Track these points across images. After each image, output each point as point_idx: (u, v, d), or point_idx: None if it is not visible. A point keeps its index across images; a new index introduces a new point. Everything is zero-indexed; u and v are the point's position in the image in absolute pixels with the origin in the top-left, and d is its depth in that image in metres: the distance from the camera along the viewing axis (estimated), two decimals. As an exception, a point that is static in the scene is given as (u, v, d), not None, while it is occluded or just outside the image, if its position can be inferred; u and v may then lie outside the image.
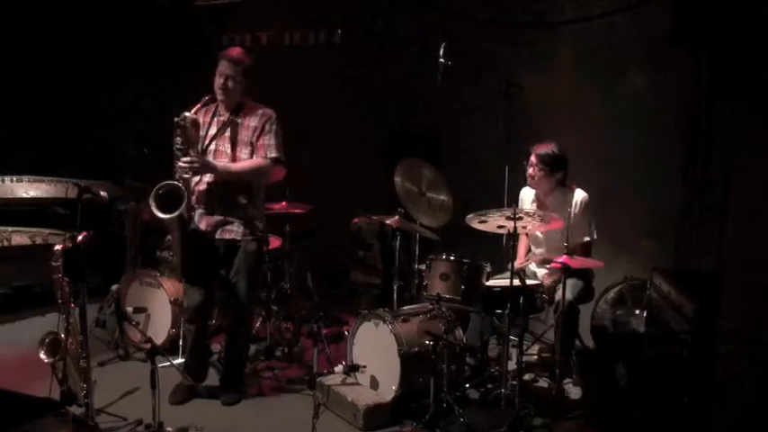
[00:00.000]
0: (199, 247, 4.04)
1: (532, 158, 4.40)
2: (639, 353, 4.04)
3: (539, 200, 4.53)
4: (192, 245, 4.05)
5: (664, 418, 3.62)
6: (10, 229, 5.64)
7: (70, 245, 3.66)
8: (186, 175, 3.82)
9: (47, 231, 5.72)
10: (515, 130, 4.77)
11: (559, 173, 4.38)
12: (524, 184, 4.70)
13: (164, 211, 3.73)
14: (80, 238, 3.62)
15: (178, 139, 3.81)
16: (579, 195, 4.36)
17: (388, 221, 4.61)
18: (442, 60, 4.43)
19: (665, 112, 4.82)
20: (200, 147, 3.96)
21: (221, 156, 4.00)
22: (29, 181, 5.73)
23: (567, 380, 4.39)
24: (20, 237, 5.64)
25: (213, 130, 4.03)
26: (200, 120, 4.04)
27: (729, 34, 3.89)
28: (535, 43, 5.51)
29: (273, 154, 4.02)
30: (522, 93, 4.59)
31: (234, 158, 4.00)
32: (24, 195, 5.71)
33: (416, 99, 6.04)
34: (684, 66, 4.59)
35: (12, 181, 5.68)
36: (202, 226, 4.01)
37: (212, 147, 4.01)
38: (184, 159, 3.79)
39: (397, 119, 6.37)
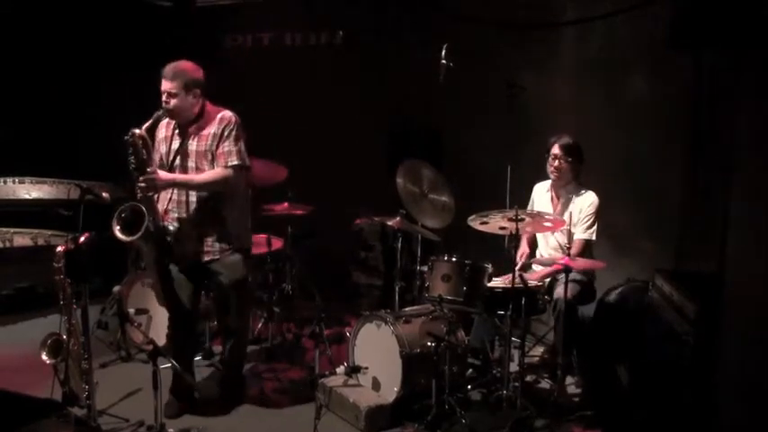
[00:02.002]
0: (178, 274, 3.93)
1: (556, 150, 4.40)
2: (641, 354, 4.03)
3: (554, 190, 4.55)
4: (170, 271, 3.92)
5: (665, 419, 3.62)
6: (12, 230, 5.65)
7: (72, 246, 3.67)
8: (149, 194, 3.70)
9: (49, 232, 5.73)
10: (517, 132, 4.76)
11: (579, 164, 4.44)
12: (527, 183, 4.71)
13: (127, 234, 3.61)
14: (82, 239, 3.63)
15: (132, 158, 3.66)
16: (592, 196, 4.40)
17: (389, 222, 4.62)
18: (443, 61, 4.43)
19: (667, 112, 4.81)
20: (164, 160, 3.87)
21: (184, 172, 3.87)
22: (31, 182, 5.74)
23: (569, 380, 4.39)
24: (22, 238, 5.65)
25: (176, 145, 3.90)
26: (162, 134, 3.95)
27: (730, 35, 3.88)
28: (537, 44, 5.51)
29: (234, 161, 3.83)
30: (524, 93, 4.58)
31: (198, 171, 3.85)
32: (26, 196, 5.72)
33: (418, 100, 6.04)
34: (686, 67, 4.58)
35: (14, 182, 5.69)
36: (181, 246, 3.87)
37: (177, 162, 3.88)
38: (142, 178, 3.65)
39: (398, 120, 6.37)
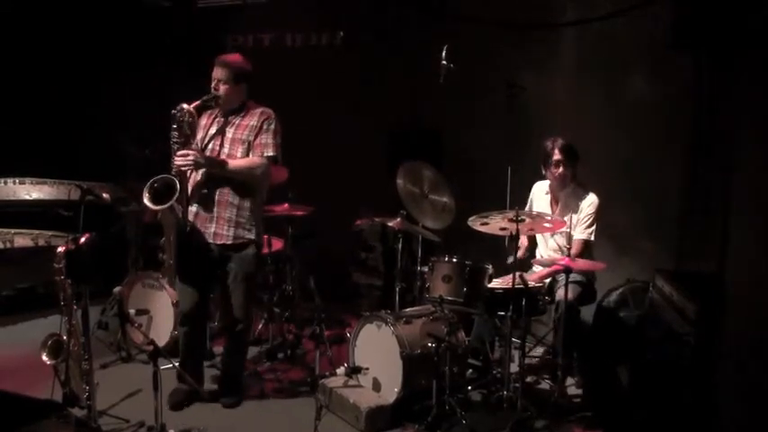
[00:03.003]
0: (194, 251, 3.99)
1: (559, 156, 4.35)
2: (641, 354, 4.03)
3: (552, 193, 4.53)
4: (187, 248, 4.00)
5: (666, 420, 3.62)
6: (12, 230, 5.65)
7: (73, 247, 3.67)
8: (183, 168, 3.79)
9: (49, 233, 5.73)
10: (517, 132, 4.77)
11: (577, 166, 4.40)
12: (527, 184, 4.71)
13: (156, 203, 3.72)
14: (82, 239, 3.63)
15: (175, 132, 3.79)
16: (592, 197, 4.38)
17: (390, 223, 4.61)
18: (444, 62, 4.43)
19: (667, 112, 4.81)
20: (199, 145, 3.95)
21: (216, 155, 3.97)
22: (31, 183, 5.74)
23: (570, 381, 4.39)
24: (22, 238, 5.65)
25: (213, 130, 4.03)
26: (203, 121, 4.05)
27: (730, 35, 3.89)
28: (537, 44, 5.51)
29: (270, 153, 4.00)
30: (524, 94, 4.58)
31: (229, 157, 3.97)
32: (27, 197, 5.71)
33: (418, 101, 6.04)
34: (686, 67, 4.58)
35: (14, 183, 5.69)
36: (198, 224, 3.97)
37: (210, 146, 3.99)
38: (180, 152, 3.77)
39: (399, 120, 6.37)
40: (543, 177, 4.57)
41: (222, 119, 4.04)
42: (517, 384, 3.91)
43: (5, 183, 5.66)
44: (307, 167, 5.32)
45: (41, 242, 5.67)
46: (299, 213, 5.18)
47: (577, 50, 5.39)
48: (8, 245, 5.58)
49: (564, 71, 5.45)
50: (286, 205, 5.12)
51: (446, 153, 6.06)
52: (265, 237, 4.97)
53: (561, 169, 4.37)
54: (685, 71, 4.60)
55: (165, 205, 3.71)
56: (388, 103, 6.31)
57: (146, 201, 3.74)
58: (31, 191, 5.73)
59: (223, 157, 3.97)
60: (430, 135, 6.24)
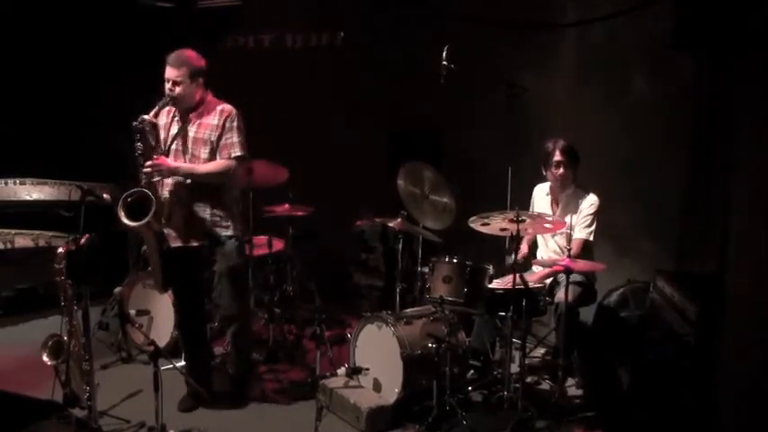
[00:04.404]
0: (174, 258, 3.94)
1: (559, 157, 4.35)
2: (642, 355, 4.03)
3: (553, 194, 4.54)
4: (167, 256, 3.92)
5: (666, 420, 3.62)
6: (13, 231, 5.66)
7: (73, 247, 3.67)
8: (154, 179, 3.74)
9: (50, 234, 5.73)
10: (517, 132, 4.77)
11: (577, 167, 4.40)
12: (528, 184, 4.71)
13: (132, 219, 3.63)
14: (83, 240, 3.63)
15: (139, 144, 3.71)
16: (593, 198, 4.38)
17: (390, 224, 4.61)
18: (444, 62, 4.42)
19: (667, 112, 4.81)
20: (162, 147, 3.91)
21: (180, 156, 3.93)
22: (32, 183, 5.75)
23: (570, 382, 4.39)
24: (23, 239, 5.66)
25: (174, 130, 3.96)
26: (163, 121, 3.99)
27: (730, 35, 3.89)
28: (538, 45, 5.52)
29: (238, 152, 3.92)
30: (525, 94, 4.58)
31: (194, 158, 3.92)
32: (27, 198, 5.72)
33: (418, 100, 6.04)
34: (686, 67, 4.58)
35: (15, 183, 5.69)
36: (173, 229, 3.92)
37: (173, 147, 3.93)
38: (149, 163, 3.71)
39: (398, 120, 6.37)
40: (543, 178, 4.57)
41: (181, 118, 3.97)
42: (518, 385, 3.91)
43: (6, 183, 5.67)
44: (307, 167, 5.33)
45: (42, 243, 5.67)
46: (300, 214, 5.19)
47: (577, 50, 5.39)
48: (9, 245, 5.59)
49: (564, 71, 5.45)
50: (286, 206, 5.12)
51: (446, 153, 6.07)
52: (266, 237, 4.99)
53: (562, 170, 4.37)
54: (685, 71, 4.60)
55: (143, 221, 3.62)
56: (388, 103, 6.31)
57: (122, 218, 3.63)
58: (31, 191, 5.73)
59: (187, 157, 3.92)
60: (430, 135, 6.24)
